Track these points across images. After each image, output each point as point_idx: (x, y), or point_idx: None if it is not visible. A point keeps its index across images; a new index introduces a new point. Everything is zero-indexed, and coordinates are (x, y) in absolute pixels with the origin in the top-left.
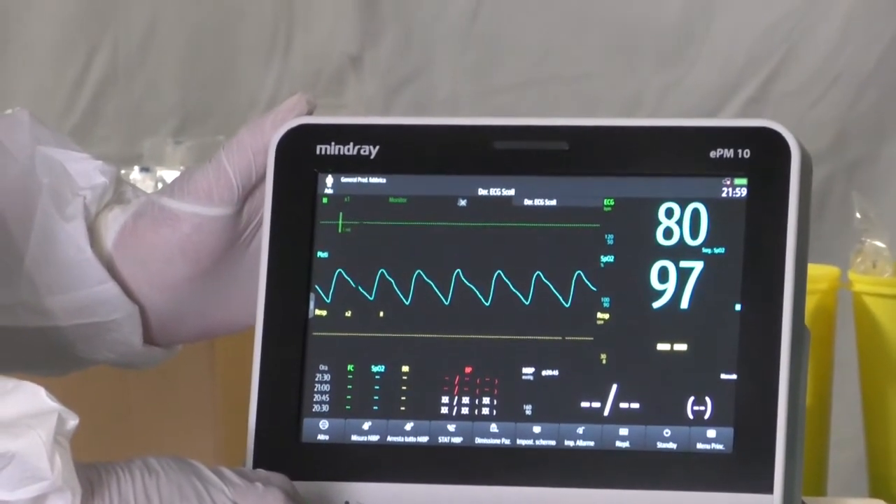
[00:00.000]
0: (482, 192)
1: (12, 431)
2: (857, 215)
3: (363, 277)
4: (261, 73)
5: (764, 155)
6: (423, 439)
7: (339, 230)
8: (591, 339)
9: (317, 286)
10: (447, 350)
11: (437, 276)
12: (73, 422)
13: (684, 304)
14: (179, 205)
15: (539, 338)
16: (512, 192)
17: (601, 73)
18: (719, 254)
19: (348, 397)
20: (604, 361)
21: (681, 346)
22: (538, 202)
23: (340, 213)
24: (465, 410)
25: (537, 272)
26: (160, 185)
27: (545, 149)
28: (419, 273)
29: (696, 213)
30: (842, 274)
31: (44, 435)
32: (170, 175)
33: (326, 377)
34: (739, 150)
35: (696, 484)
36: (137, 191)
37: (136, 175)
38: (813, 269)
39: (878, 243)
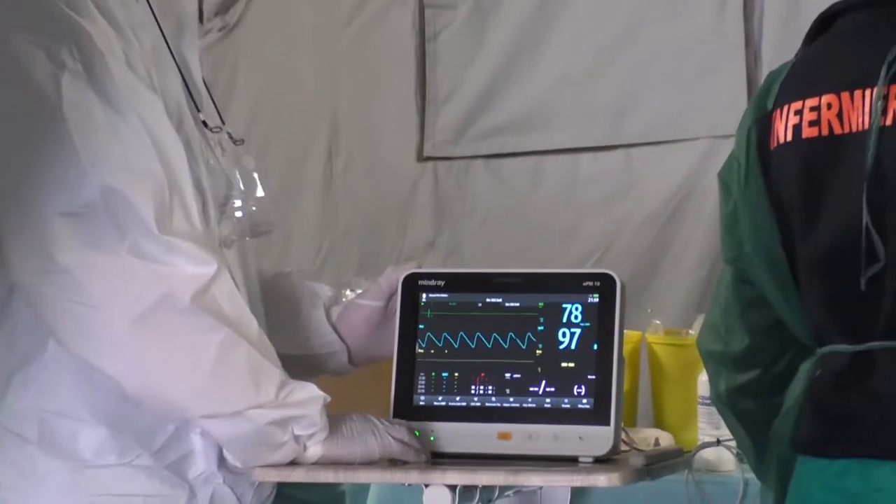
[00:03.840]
0: (489, 300)
1: (304, 405)
2: (649, 310)
3: (438, 336)
4: (394, 248)
5: (605, 285)
6: (463, 404)
7: (429, 316)
8: (533, 361)
9: (419, 339)
10: (474, 367)
11: (468, 335)
12: (328, 399)
13: (573, 346)
14: (363, 301)
15: (512, 361)
16: (500, 299)
17: (538, 250)
18: (587, 326)
19: (433, 387)
20: (539, 371)
21: (571, 364)
22: (512, 304)
23: (429, 309)
24: (481, 391)
25: (510, 333)
26: (355, 294)
27: (512, 282)
28: (462, 334)
29: (576, 308)
30: (643, 335)
31: (318, 405)
32: (359, 290)
33: (423, 378)
34: (594, 282)
35: (578, 421)
36: (347, 296)
37: (348, 292)
38: (630, 333)
39: (657, 322)
